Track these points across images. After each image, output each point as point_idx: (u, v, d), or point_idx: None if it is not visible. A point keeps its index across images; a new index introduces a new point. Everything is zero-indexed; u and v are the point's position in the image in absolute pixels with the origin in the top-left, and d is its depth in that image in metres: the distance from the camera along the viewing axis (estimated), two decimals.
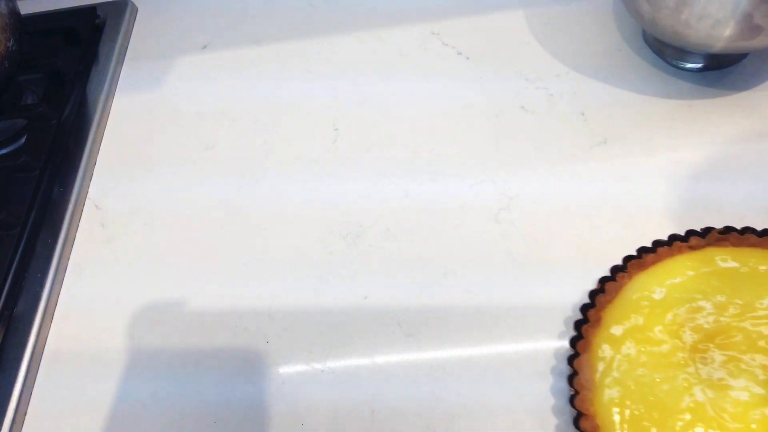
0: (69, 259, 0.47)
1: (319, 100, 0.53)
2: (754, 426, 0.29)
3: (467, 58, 0.53)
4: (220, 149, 0.46)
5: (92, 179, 0.51)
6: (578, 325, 0.35)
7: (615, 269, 0.37)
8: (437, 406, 0.37)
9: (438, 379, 0.38)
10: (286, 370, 0.39)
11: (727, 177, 0.43)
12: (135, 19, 0.63)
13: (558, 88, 0.50)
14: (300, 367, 0.39)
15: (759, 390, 0.30)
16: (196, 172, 0.44)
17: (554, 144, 0.47)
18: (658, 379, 0.31)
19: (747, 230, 0.36)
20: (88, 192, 0.51)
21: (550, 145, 0.47)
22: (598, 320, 0.35)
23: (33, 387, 0.41)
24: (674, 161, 0.45)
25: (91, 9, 0.61)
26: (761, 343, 0.31)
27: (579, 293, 0.39)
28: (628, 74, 0.50)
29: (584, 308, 0.36)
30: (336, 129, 0.51)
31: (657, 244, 0.38)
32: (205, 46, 0.59)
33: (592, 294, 0.36)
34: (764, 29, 0.41)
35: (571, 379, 0.34)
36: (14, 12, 0.51)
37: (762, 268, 0.34)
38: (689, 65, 0.49)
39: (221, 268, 0.44)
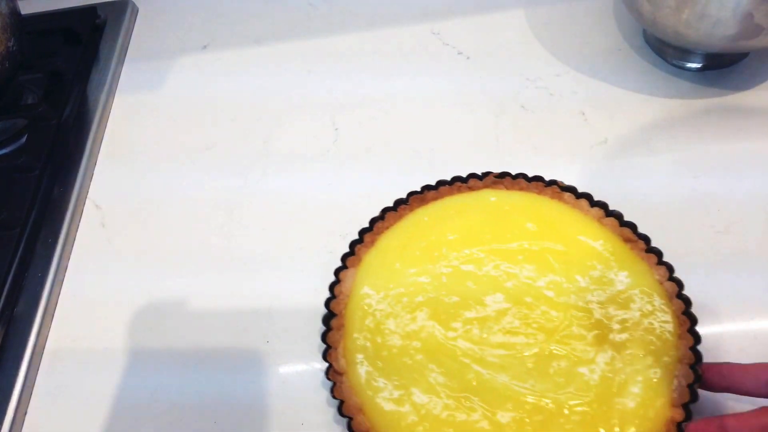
0: (69, 258, 0.47)
1: (320, 100, 0.53)
2: (465, 328, 0.35)
3: (467, 58, 0.53)
4: (220, 149, 0.46)
5: (92, 179, 0.51)
6: (353, 245, 0.40)
7: (398, 202, 0.41)
8: None
9: None
10: (286, 369, 0.39)
11: (727, 176, 0.43)
12: (135, 19, 0.63)
13: (558, 87, 0.50)
14: (300, 367, 0.39)
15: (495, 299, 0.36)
16: (196, 172, 0.44)
17: (555, 143, 0.47)
18: (403, 288, 0.37)
19: (519, 176, 0.41)
20: (88, 192, 0.51)
21: (550, 145, 0.47)
22: (372, 242, 0.40)
23: (33, 386, 0.41)
24: (674, 161, 0.44)
25: (92, 9, 0.61)
26: (491, 266, 0.37)
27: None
28: (628, 74, 0.50)
29: (362, 231, 0.40)
30: (336, 129, 0.50)
31: (440, 183, 0.41)
32: (205, 46, 0.59)
33: (372, 220, 0.40)
34: (764, 29, 0.41)
35: (333, 287, 0.38)
36: (15, 12, 0.51)
37: (523, 203, 0.40)
38: (690, 65, 0.49)
39: (221, 267, 0.44)
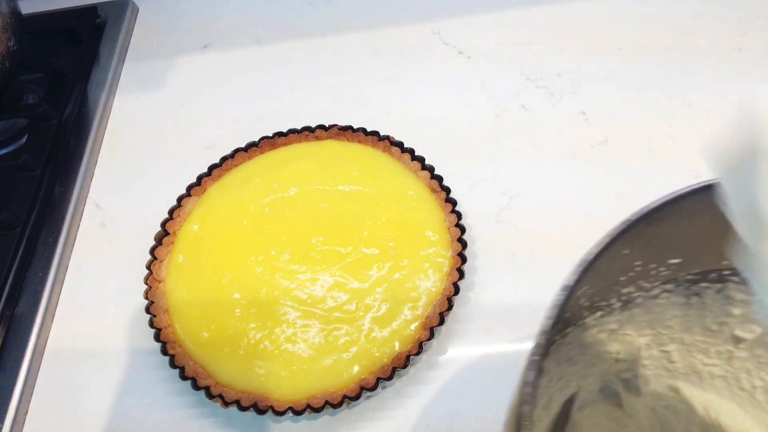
0: (70, 258, 0.47)
1: (320, 100, 0.53)
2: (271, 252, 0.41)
3: (468, 58, 0.53)
4: (220, 149, 0.46)
5: (93, 179, 0.51)
6: (199, 178, 0.45)
7: (249, 145, 0.46)
8: None
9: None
10: None
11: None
12: (136, 19, 0.63)
13: (559, 87, 0.50)
14: None
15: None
16: (196, 172, 0.45)
17: (555, 143, 0.47)
18: (230, 219, 0.43)
19: (360, 130, 0.46)
20: (88, 191, 0.51)
21: (550, 145, 0.47)
22: (219, 176, 0.45)
23: (34, 386, 0.42)
24: (675, 160, 0.44)
25: (92, 8, 0.61)
26: (309, 203, 0.43)
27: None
28: (629, 73, 0.50)
29: (211, 167, 0.45)
30: None
31: (291, 131, 0.47)
32: (205, 46, 0.59)
33: (223, 158, 0.46)
34: None
35: (172, 210, 0.43)
36: (15, 12, 0.51)
37: (357, 153, 0.45)
38: None
39: None
